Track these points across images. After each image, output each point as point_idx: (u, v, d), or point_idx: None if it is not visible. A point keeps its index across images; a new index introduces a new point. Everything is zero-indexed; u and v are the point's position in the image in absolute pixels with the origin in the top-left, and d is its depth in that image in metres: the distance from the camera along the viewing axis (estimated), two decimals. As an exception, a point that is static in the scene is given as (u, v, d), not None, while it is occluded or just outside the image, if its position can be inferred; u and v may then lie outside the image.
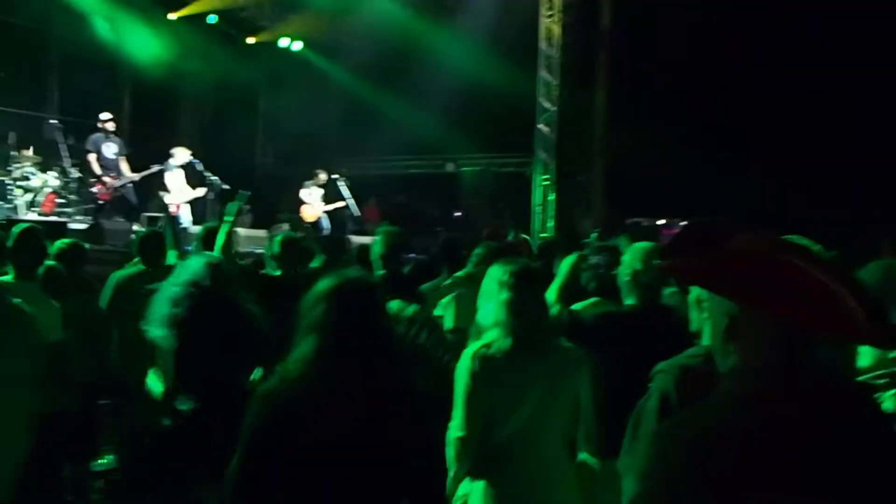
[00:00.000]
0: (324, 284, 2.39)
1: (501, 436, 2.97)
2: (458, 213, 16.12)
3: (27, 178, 11.97)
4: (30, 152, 12.41)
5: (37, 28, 15.13)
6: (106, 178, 11.66)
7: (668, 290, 3.86)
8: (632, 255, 3.59)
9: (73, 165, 12.48)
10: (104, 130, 11.85)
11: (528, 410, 2.98)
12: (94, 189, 11.90)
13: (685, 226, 1.71)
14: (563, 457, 3.10)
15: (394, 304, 3.80)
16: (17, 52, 14.90)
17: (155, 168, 12.16)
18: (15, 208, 11.61)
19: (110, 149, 11.80)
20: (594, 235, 8.94)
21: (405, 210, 15.68)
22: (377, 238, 4.82)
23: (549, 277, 3.85)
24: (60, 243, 5.19)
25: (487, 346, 3.02)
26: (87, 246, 5.50)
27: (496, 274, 3.12)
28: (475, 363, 2.98)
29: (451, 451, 2.99)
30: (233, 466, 2.27)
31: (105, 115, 11.92)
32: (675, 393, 2.19)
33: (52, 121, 12.82)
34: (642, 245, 3.65)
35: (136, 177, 12.13)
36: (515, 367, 2.98)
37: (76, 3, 14.88)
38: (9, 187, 11.90)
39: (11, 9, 14.33)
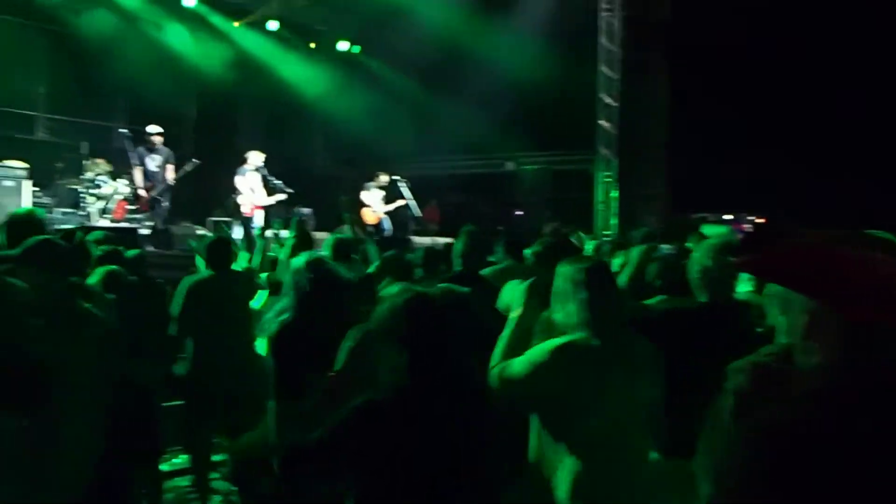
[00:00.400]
0: (399, 298, 2.50)
1: (588, 433, 2.94)
2: (519, 212, 16.14)
3: (99, 186, 12.37)
4: (101, 161, 12.82)
5: (105, 40, 15.52)
6: (141, 192, 11.78)
7: (743, 288, 3.75)
8: (701, 252, 3.51)
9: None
10: (150, 143, 11.90)
11: (615, 407, 2.95)
12: (136, 204, 12.10)
13: (761, 222, 1.68)
14: (645, 453, 3.09)
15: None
16: (87, 64, 15.37)
17: (188, 167, 12.17)
18: (88, 215, 12.05)
19: (154, 161, 11.84)
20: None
21: (465, 210, 15.65)
22: (459, 237, 4.89)
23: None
24: (98, 249, 5.19)
25: (573, 345, 2.98)
26: (121, 248, 5.51)
27: (568, 273, 3.09)
28: (558, 357, 2.93)
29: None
30: (303, 442, 2.37)
31: (153, 129, 11.94)
32: (750, 392, 2.16)
33: (121, 130, 13.06)
34: (712, 241, 3.58)
35: (171, 180, 12.13)
36: (602, 365, 2.96)
37: (142, 14, 15.44)
38: (81, 195, 12.41)
39: (79, 22, 14.95)
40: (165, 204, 12.13)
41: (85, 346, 3.31)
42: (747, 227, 12.37)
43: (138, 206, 12.06)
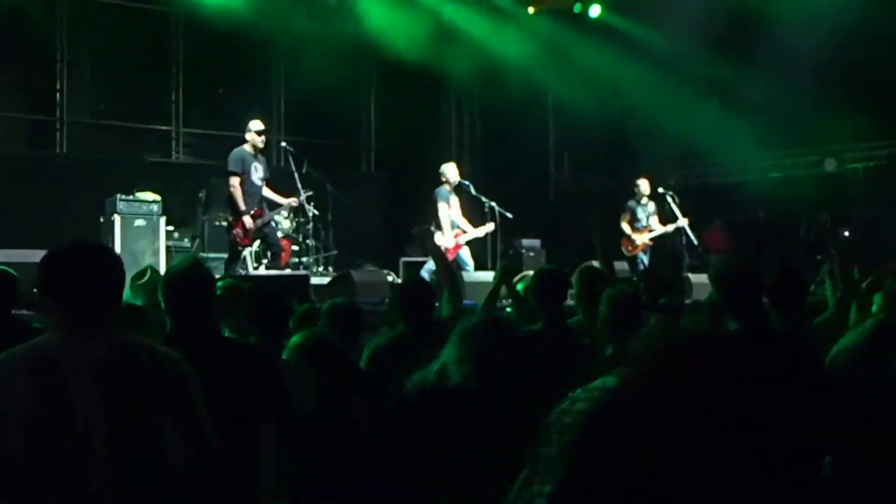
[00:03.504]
0: None
1: None
2: (847, 232, 15.38)
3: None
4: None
5: (252, 26, 16.29)
6: (247, 219, 11.68)
7: None
8: None
9: (310, 200, 13.24)
10: (253, 146, 11.92)
11: None
12: (235, 232, 11.91)
13: None
14: None
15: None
16: (231, 60, 16.88)
17: (293, 201, 12.62)
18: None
19: (257, 172, 11.90)
20: None
21: (766, 231, 15.65)
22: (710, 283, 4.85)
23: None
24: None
25: None
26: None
27: None
28: None
29: None
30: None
31: (256, 125, 12.03)
32: None
33: (282, 143, 13.67)
34: None
35: (291, 202, 12.53)
36: None
37: None
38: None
39: (229, 9, 15.66)
40: (277, 242, 12.49)
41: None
42: None
43: (235, 241, 11.94)
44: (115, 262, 3.48)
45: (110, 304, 3.35)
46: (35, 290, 3.42)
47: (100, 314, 3.26)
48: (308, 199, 13.16)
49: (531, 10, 18.79)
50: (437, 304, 6.79)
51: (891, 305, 5.25)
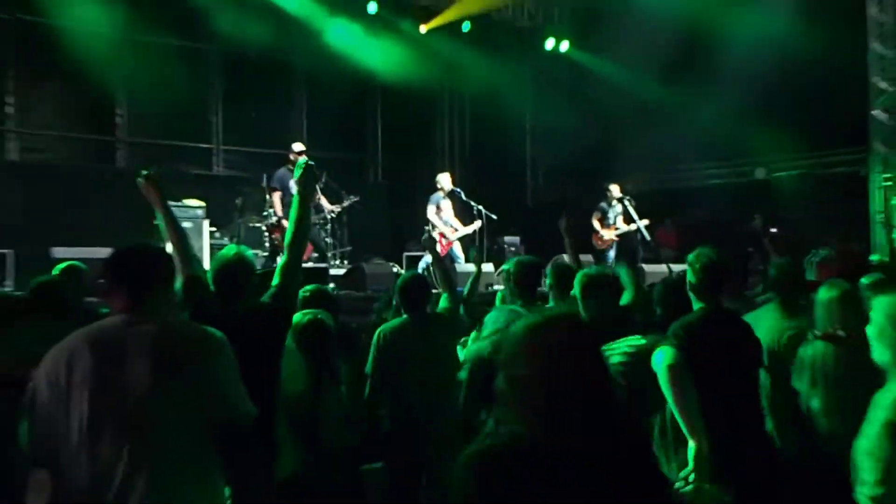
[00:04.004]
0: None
1: None
2: (774, 230, 14.68)
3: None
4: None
5: (280, 59, 17.96)
6: (284, 222, 12.78)
7: None
8: None
9: (353, 206, 14.75)
10: (293, 164, 12.81)
11: None
12: (274, 236, 13.38)
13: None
14: None
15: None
16: (262, 89, 18.13)
17: (349, 200, 14.14)
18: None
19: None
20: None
21: (708, 229, 15.82)
22: (688, 266, 5.06)
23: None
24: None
25: None
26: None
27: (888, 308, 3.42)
28: None
29: None
30: None
31: (298, 146, 13.47)
32: None
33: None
34: None
35: (328, 210, 13.88)
36: None
37: (317, 25, 17.45)
38: (265, 234, 14.09)
39: (245, 35, 16.56)
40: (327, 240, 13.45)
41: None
42: None
43: (274, 243, 13.36)
44: (167, 259, 3.81)
45: (163, 293, 3.62)
46: (101, 281, 3.64)
47: (154, 302, 3.52)
48: (353, 205, 14.57)
49: (423, 28, 18.74)
50: (434, 291, 7.16)
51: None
